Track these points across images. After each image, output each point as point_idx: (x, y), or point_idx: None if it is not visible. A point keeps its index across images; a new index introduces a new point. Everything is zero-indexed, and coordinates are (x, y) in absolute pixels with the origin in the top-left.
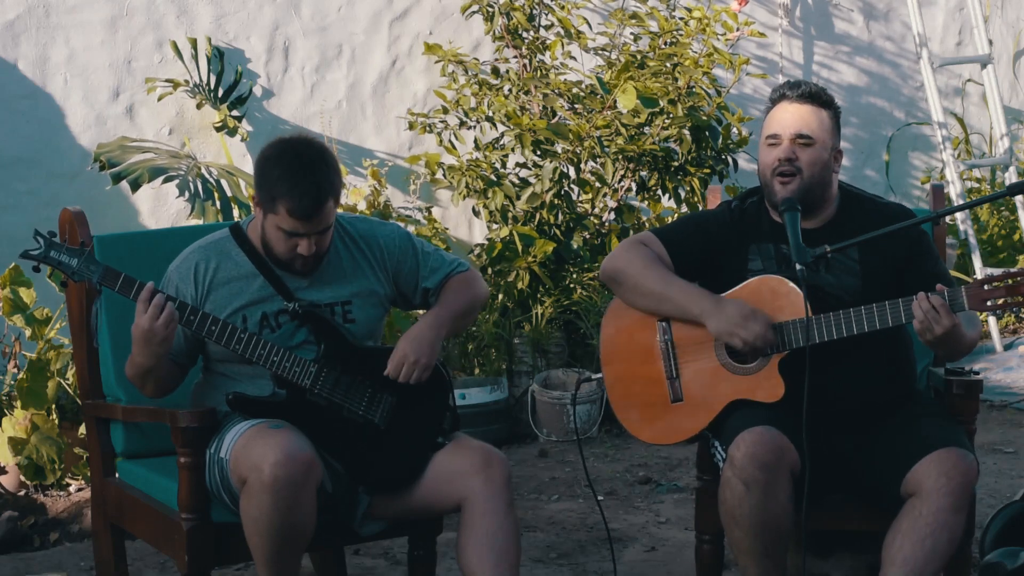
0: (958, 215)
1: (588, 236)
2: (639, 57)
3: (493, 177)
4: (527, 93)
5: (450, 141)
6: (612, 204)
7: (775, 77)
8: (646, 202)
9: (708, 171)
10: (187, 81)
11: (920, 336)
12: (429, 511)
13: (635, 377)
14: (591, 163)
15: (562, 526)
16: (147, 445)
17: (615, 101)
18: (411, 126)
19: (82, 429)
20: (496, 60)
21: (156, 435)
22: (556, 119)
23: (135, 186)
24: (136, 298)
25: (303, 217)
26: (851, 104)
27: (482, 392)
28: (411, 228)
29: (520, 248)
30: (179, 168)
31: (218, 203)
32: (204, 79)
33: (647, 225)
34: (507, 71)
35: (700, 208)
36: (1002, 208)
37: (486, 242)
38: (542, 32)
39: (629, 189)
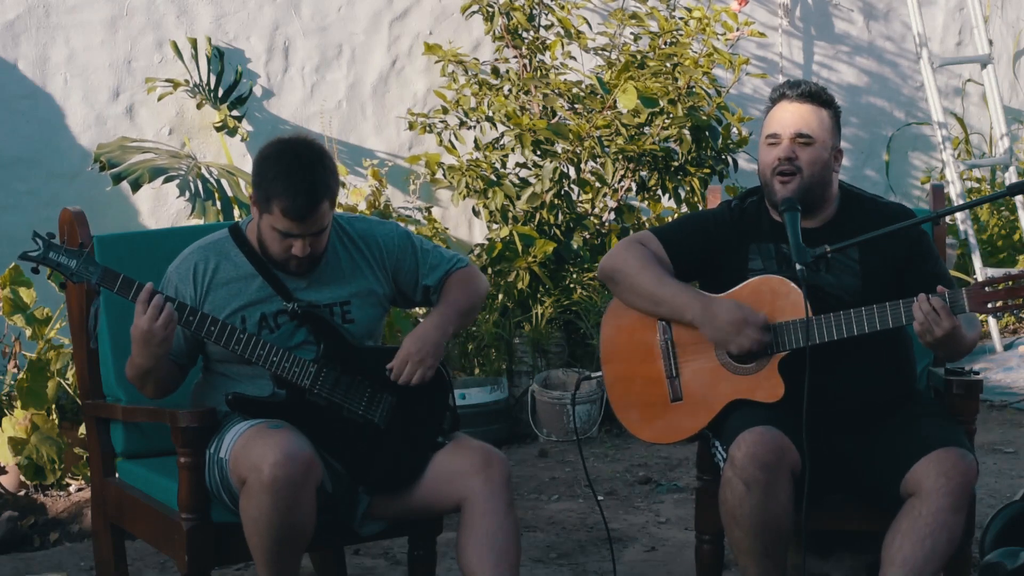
0: (958, 215)
1: (588, 236)
2: (639, 57)
3: (493, 177)
4: (527, 93)
5: (450, 141)
6: (612, 204)
7: (775, 77)
8: (646, 202)
9: (708, 171)
10: (187, 81)
11: (920, 338)
12: (429, 511)
13: (635, 376)
14: (591, 163)
15: (562, 526)
16: (147, 445)
17: (615, 101)
18: (411, 126)
19: (82, 429)
20: (496, 60)
21: (156, 435)
22: (556, 119)
23: (135, 186)
24: (135, 299)
25: (297, 218)
26: (851, 104)
27: (482, 392)
28: (411, 228)
29: (520, 248)
30: (179, 168)
31: (218, 203)
32: (204, 79)
33: (647, 225)
34: (507, 71)
35: (700, 208)
36: (1002, 208)
37: (486, 242)
38: (542, 32)
39: (629, 189)
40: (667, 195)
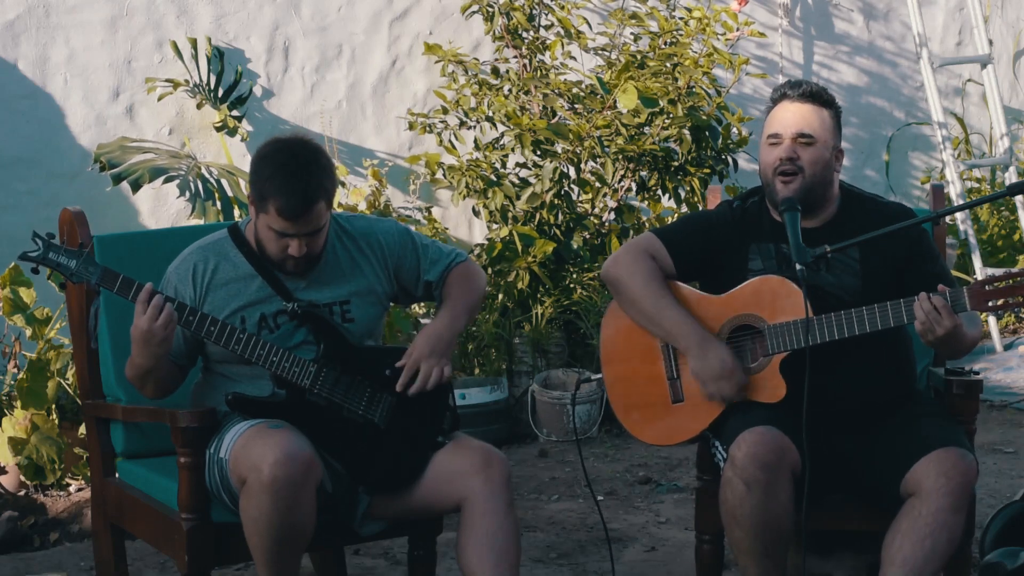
0: (958, 215)
1: (588, 236)
2: (639, 57)
3: (493, 177)
4: (527, 93)
5: (450, 141)
6: (612, 204)
7: (775, 77)
8: (646, 202)
9: (708, 171)
10: (187, 81)
11: (922, 337)
12: (429, 511)
13: (636, 377)
14: (591, 163)
15: (562, 526)
16: (147, 445)
17: (615, 101)
18: (411, 126)
19: (82, 429)
20: (496, 60)
21: (156, 435)
22: (556, 119)
23: (135, 186)
24: (135, 299)
25: (291, 217)
26: (851, 104)
27: (482, 392)
28: (411, 228)
29: (520, 248)
30: (179, 168)
31: (218, 203)
32: (204, 79)
33: (647, 225)
34: (507, 71)
35: (700, 208)
36: (1002, 208)
37: (486, 242)
38: (542, 32)
39: (629, 189)
40: (667, 195)
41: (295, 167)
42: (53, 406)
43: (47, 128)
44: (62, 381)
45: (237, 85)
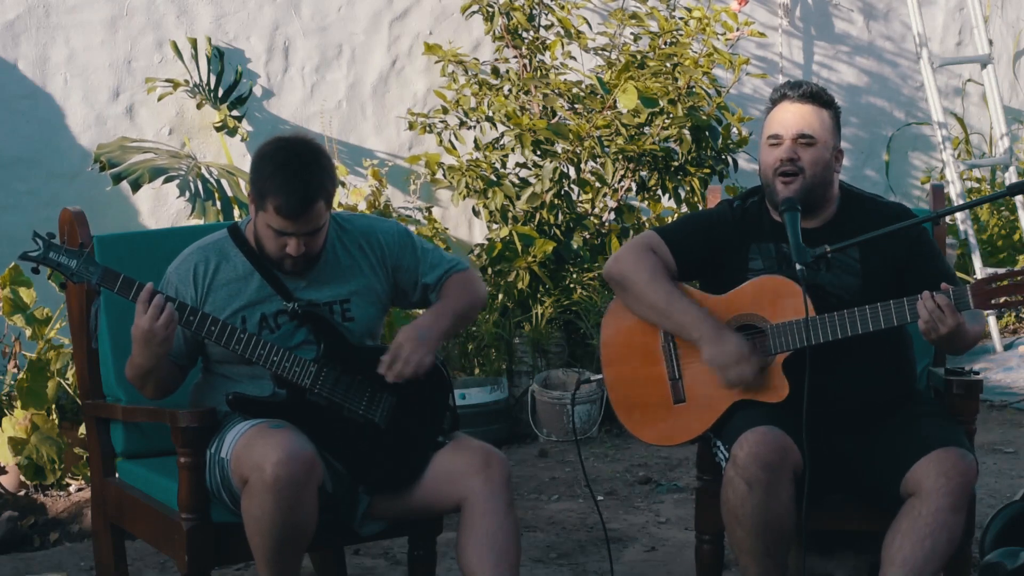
0: (958, 215)
1: (588, 236)
2: (639, 57)
3: (493, 177)
4: (527, 93)
5: (450, 141)
6: (612, 204)
7: (775, 77)
8: (646, 202)
9: (708, 171)
10: (187, 81)
11: (925, 335)
12: (429, 511)
13: (637, 378)
14: (591, 163)
15: (562, 526)
16: (147, 445)
17: (615, 101)
18: (411, 126)
19: (82, 429)
20: (496, 60)
21: (156, 435)
22: (556, 119)
23: (135, 186)
24: (135, 299)
25: (290, 216)
26: (851, 104)
27: (482, 392)
28: (411, 228)
29: (520, 248)
30: (179, 168)
31: (218, 203)
32: (204, 79)
33: (647, 225)
34: (507, 71)
35: (700, 208)
36: (1002, 208)
37: (486, 242)
38: (542, 32)
39: (629, 189)
40: (667, 195)
41: (296, 166)
42: (53, 406)
43: (47, 128)
44: (62, 381)
45: (237, 85)
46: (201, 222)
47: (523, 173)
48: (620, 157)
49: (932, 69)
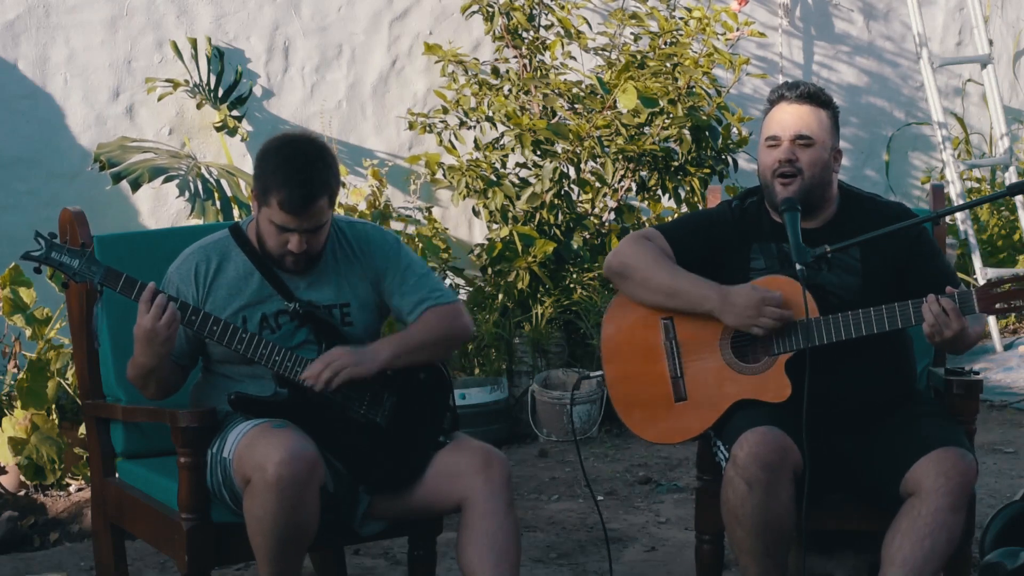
0: (958, 215)
1: (588, 236)
2: (639, 57)
3: (493, 177)
4: (527, 93)
5: (450, 141)
6: (612, 204)
7: (775, 77)
8: (646, 202)
9: (708, 171)
10: (187, 81)
11: (929, 339)
12: (429, 511)
13: (638, 376)
14: (591, 163)
15: (562, 526)
16: (147, 445)
17: (615, 101)
18: (411, 126)
19: (82, 429)
20: (496, 60)
21: (156, 435)
22: (556, 119)
23: (135, 186)
24: (137, 299)
25: (292, 211)
26: (851, 104)
27: (482, 392)
28: (411, 228)
29: (520, 248)
30: (179, 168)
31: (218, 203)
32: (204, 79)
33: (647, 225)
34: (507, 71)
35: (700, 208)
36: (1002, 208)
37: (486, 242)
38: (542, 32)
39: (629, 189)
40: (667, 195)
41: (300, 162)
42: (53, 406)
43: (47, 128)
44: (62, 381)
45: (237, 85)
46: (201, 222)
47: (523, 173)
48: (620, 157)
49: (932, 69)
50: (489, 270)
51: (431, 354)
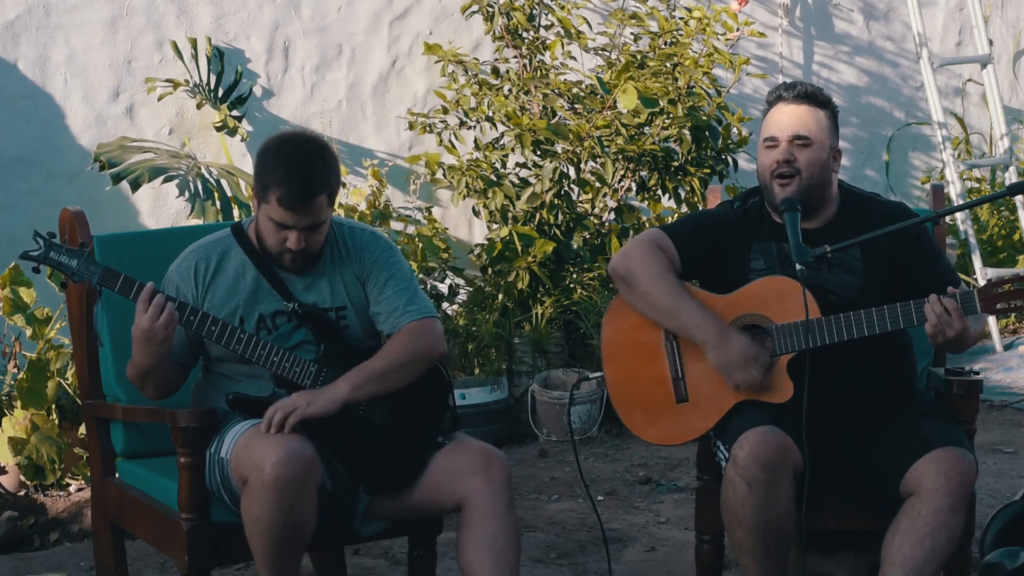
0: (958, 215)
1: (588, 236)
2: (639, 57)
3: (493, 177)
4: (527, 93)
5: (450, 141)
6: (612, 204)
7: (775, 77)
8: (646, 202)
9: (708, 171)
10: (187, 81)
11: (931, 339)
12: (429, 511)
13: (638, 377)
14: (591, 163)
15: (562, 526)
16: (147, 445)
17: (615, 101)
18: (411, 126)
19: (82, 429)
20: (496, 60)
21: (156, 435)
22: (556, 119)
23: (135, 186)
24: (136, 298)
25: (291, 208)
26: (851, 104)
27: (482, 392)
28: (411, 228)
29: (520, 248)
30: (179, 168)
31: (218, 203)
32: (204, 79)
33: (647, 225)
34: (507, 71)
35: (700, 208)
36: (1002, 208)
37: (486, 242)
38: (542, 32)
39: (629, 189)
40: (667, 195)
41: (301, 160)
42: (53, 406)
43: (47, 128)
44: (62, 381)
45: (237, 85)
46: (201, 222)
47: (523, 173)
48: (620, 157)
49: (932, 69)
50: (489, 270)
51: (396, 380)
